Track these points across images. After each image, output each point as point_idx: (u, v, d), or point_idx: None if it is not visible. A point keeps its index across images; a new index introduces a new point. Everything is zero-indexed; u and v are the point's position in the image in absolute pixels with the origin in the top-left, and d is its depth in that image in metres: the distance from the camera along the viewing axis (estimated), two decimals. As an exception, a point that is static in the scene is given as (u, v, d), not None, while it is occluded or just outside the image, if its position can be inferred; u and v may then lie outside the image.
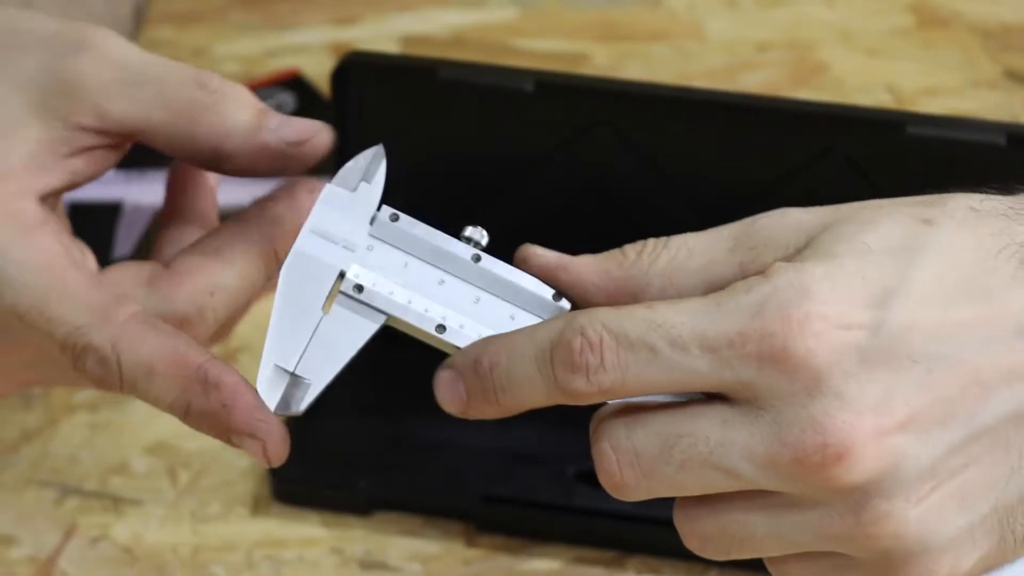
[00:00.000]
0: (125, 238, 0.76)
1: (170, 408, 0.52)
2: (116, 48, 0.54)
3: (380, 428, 0.71)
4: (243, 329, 0.75)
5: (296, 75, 0.86)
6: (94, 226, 0.76)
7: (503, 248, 0.74)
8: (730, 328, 0.47)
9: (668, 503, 0.65)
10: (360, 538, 0.68)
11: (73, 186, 0.54)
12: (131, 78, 0.53)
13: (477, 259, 0.52)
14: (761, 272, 0.48)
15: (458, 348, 0.51)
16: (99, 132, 0.53)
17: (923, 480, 0.46)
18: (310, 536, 0.68)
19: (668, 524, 0.66)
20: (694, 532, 0.49)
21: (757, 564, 0.67)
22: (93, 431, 0.71)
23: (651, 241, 0.53)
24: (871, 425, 0.45)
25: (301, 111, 0.84)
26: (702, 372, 0.47)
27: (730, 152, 0.69)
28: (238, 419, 0.51)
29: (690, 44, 0.92)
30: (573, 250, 0.73)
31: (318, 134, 0.54)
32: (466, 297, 0.52)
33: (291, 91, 0.85)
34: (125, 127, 0.53)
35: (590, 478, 0.68)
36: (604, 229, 0.73)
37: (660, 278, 0.51)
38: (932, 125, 0.67)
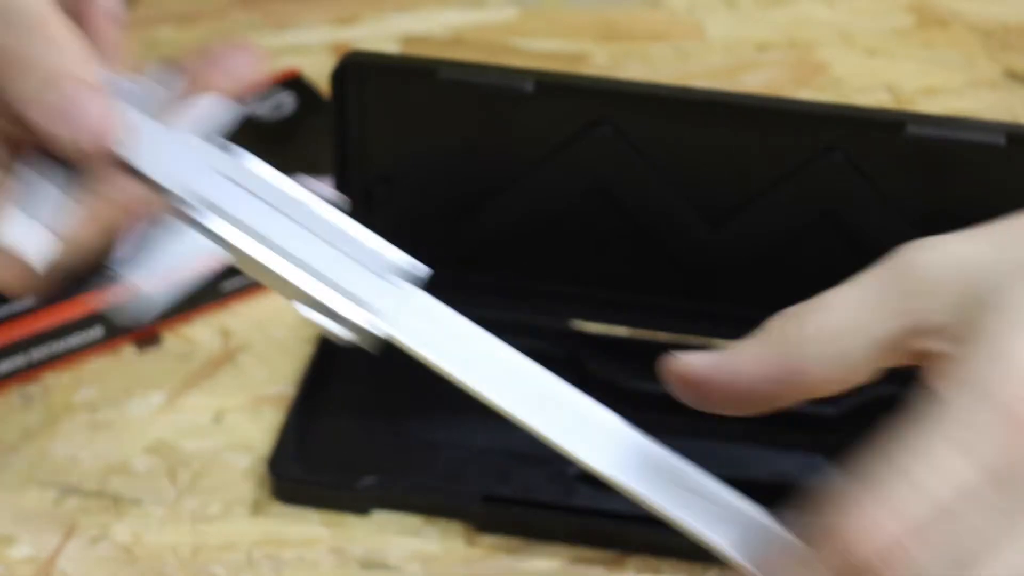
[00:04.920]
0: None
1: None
2: None
3: (380, 428, 0.71)
4: (243, 329, 0.76)
5: (296, 75, 0.86)
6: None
7: (502, 248, 0.74)
8: (1000, 443, 0.43)
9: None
10: (360, 538, 0.68)
11: None
12: None
13: (328, 215, 0.52)
14: (935, 332, 0.45)
15: (300, 291, 0.51)
16: None
17: None
18: (310, 536, 0.68)
19: (668, 524, 0.67)
20: None
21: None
22: (93, 431, 0.71)
23: (790, 310, 0.48)
24: None
25: (301, 111, 0.84)
26: (1005, 508, 0.43)
27: (730, 152, 0.69)
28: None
29: (690, 44, 0.92)
30: (573, 250, 0.74)
31: (101, 131, 0.51)
32: (310, 250, 0.51)
33: (291, 91, 0.85)
34: None
35: (590, 478, 0.68)
36: (604, 229, 0.73)
37: (816, 344, 0.47)
38: (932, 125, 0.67)
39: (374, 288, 0.51)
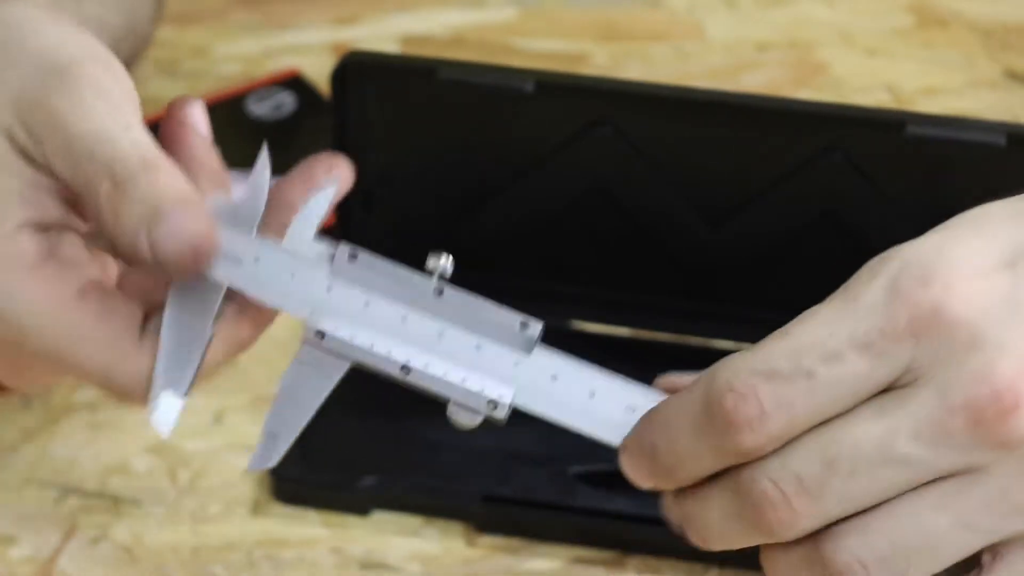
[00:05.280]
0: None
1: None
2: (87, 93, 0.52)
3: (380, 428, 0.71)
4: (243, 329, 0.76)
5: (296, 75, 0.86)
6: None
7: (502, 248, 0.74)
8: (876, 316, 0.45)
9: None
10: (360, 538, 0.68)
11: (70, 217, 0.53)
12: (74, 142, 0.51)
13: (440, 293, 0.52)
14: None
15: (426, 388, 0.52)
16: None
17: None
18: (310, 536, 0.68)
19: (668, 524, 0.67)
20: (858, 560, 0.46)
21: (757, 563, 0.67)
22: (93, 431, 0.71)
23: None
24: None
25: (301, 111, 0.84)
26: (864, 374, 0.45)
27: (730, 152, 0.69)
28: None
29: (690, 44, 0.92)
30: (573, 250, 0.73)
31: (199, 246, 0.51)
32: (429, 333, 0.52)
33: (291, 91, 0.85)
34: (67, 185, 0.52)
35: (590, 478, 0.68)
36: (604, 229, 0.73)
37: None
38: (932, 125, 0.67)
39: (492, 366, 0.52)
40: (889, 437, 0.45)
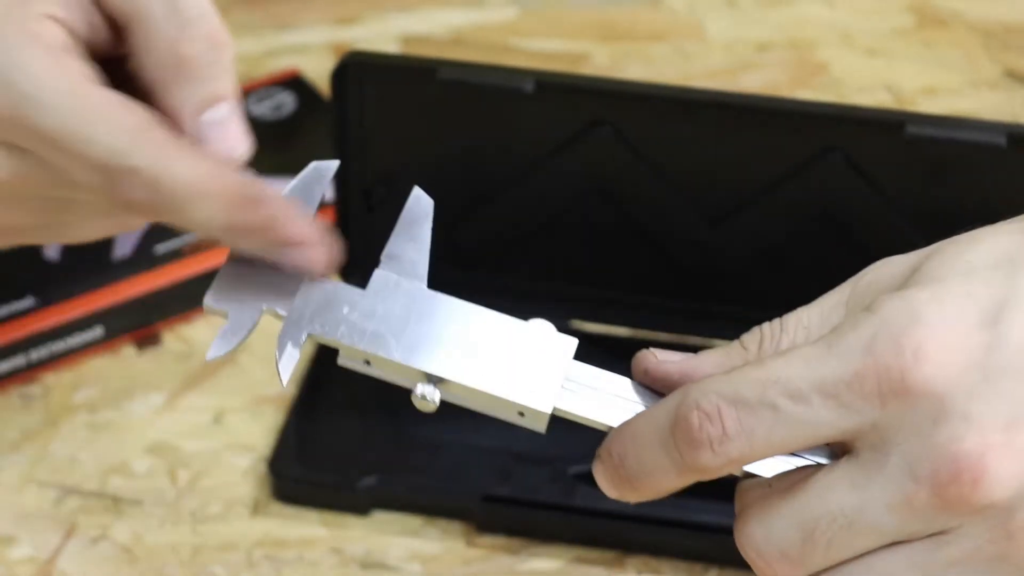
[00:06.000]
0: (124, 237, 0.76)
1: (217, 229, 0.51)
2: None
3: (380, 428, 0.71)
4: (243, 329, 0.76)
5: (296, 75, 0.86)
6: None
7: (502, 249, 0.74)
8: (846, 370, 0.46)
9: (669, 502, 0.65)
10: (360, 538, 0.68)
11: (94, 46, 0.53)
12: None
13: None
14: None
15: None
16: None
17: None
18: (310, 536, 0.68)
19: (668, 524, 0.67)
20: None
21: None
22: (93, 431, 0.71)
23: (765, 327, 0.51)
24: (1001, 441, 0.45)
25: (301, 111, 0.84)
26: (826, 422, 0.46)
27: (730, 152, 0.69)
28: (290, 230, 0.51)
29: (690, 44, 0.92)
30: (573, 250, 0.74)
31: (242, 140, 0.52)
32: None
33: (291, 91, 0.85)
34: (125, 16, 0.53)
35: (590, 478, 0.68)
36: (604, 229, 0.73)
37: None
38: (932, 125, 0.67)
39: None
40: (863, 512, 0.46)
